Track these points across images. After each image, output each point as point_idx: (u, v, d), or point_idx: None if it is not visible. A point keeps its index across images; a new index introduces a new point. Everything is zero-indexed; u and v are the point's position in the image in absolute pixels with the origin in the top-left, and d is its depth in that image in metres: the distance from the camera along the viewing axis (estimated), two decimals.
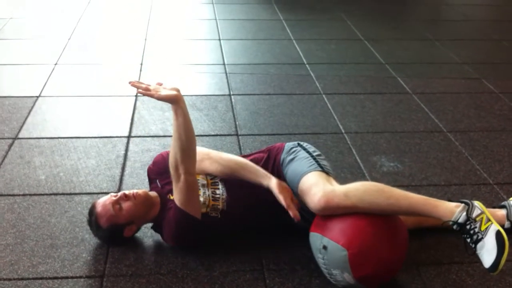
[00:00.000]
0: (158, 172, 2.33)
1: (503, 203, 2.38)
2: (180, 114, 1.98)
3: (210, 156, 2.29)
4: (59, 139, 3.02)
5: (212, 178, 2.25)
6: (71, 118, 3.29)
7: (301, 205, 2.16)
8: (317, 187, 2.02)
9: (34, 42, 4.48)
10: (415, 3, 6.23)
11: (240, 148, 2.98)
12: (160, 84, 2.02)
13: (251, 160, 2.34)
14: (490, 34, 5.10)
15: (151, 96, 1.98)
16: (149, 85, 2.01)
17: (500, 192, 2.63)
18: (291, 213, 2.02)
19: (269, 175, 2.15)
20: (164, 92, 1.98)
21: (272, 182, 2.10)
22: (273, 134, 3.14)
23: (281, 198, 2.04)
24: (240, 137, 3.11)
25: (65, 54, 4.23)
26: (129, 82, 2.00)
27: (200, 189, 2.17)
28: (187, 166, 1.99)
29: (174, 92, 1.98)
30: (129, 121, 3.24)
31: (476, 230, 1.85)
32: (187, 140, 1.99)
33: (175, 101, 1.98)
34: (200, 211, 2.09)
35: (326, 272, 2.00)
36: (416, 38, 4.89)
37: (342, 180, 2.27)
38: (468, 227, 1.86)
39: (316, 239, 2.00)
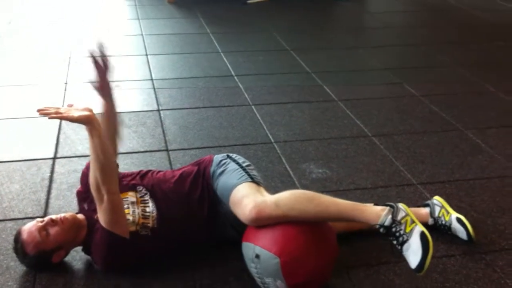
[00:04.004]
0: (87, 190, 2.28)
1: (427, 202, 2.49)
2: (95, 134, 1.93)
3: None
4: None
5: (142, 196, 2.22)
6: None
7: (233, 216, 2.17)
8: (248, 199, 2.03)
9: None
10: (339, 13, 6.41)
11: (170, 163, 2.95)
12: (71, 105, 1.98)
13: (181, 174, 2.33)
14: (408, 39, 5.33)
15: (63, 118, 1.92)
16: (59, 108, 1.95)
17: (424, 192, 2.73)
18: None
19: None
20: (76, 113, 1.92)
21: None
22: (204, 148, 3.14)
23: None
24: (170, 152, 3.08)
25: None
26: (37, 111, 1.92)
27: (129, 208, 2.13)
28: (108, 186, 1.95)
29: (87, 113, 1.94)
30: (54, 141, 3.14)
31: (402, 232, 1.90)
32: (105, 160, 1.94)
33: (89, 121, 1.93)
34: (128, 230, 2.05)
35: (259, 281, 2.01)
36: (340, 47, 5.03)
37: (273, 189, 2.30)
38: (394, 229, 1.92)
39: (249, 248, 2.01)
